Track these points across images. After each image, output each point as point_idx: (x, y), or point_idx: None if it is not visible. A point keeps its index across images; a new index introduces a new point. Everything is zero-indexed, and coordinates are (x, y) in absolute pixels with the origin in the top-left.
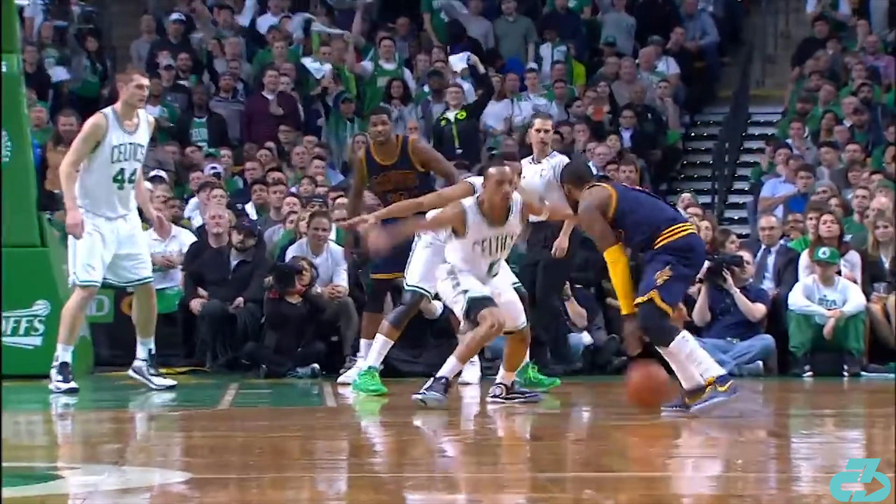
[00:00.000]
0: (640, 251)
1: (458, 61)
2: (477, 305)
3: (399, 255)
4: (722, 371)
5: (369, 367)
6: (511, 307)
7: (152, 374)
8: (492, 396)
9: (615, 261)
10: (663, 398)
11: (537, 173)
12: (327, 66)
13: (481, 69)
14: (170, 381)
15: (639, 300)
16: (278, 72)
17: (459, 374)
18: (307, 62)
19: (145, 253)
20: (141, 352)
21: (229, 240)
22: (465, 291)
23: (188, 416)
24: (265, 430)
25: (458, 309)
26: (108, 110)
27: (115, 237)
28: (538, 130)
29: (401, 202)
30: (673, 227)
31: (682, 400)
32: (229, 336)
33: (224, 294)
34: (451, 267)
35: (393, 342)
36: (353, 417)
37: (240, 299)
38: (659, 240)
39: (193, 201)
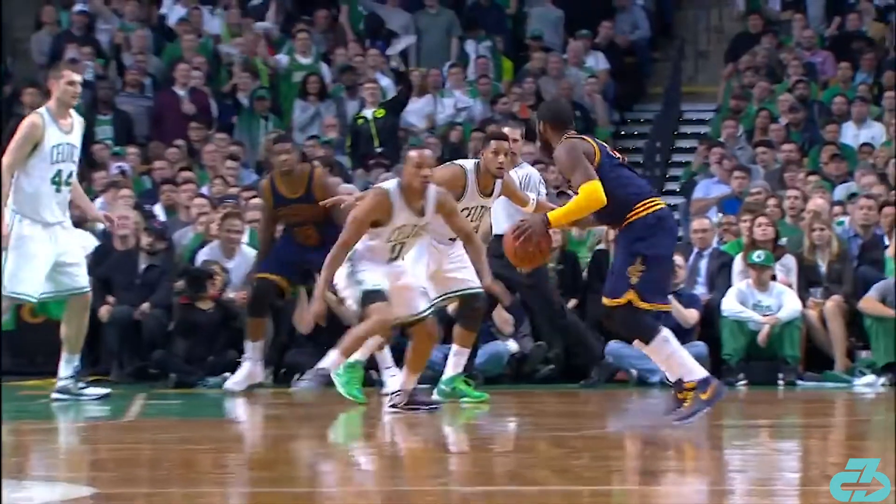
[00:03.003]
0: (606, 223)
1: (398, 45)
2: (368, 299)
3: (288, 256)
4: (704, 373)
5: (356, 361)
6: (406, 293)
7: (81, 388)
8: (391, 405)
9: (592, 191)
10: (546, 256)
11: None
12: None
13: (401, 67)
14: (103, 390)
15: (613, 303)
16: (190, 66)
17: (387, 372)
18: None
19: (83, 261)
20: (66, 369)
21: (137, 242)
22: (360, 283)
23: (93, 428)
24: (174, 443)
25: (350, 299)
26: (42, 110)
27: (53, 244)
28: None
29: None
30: (643, 202)
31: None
32: (136, 344)
33: (131, 299)
34: (351, 252)
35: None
36: (266, 429)
37: (145, 305)
38: (630, 215)
39: (98, 201)
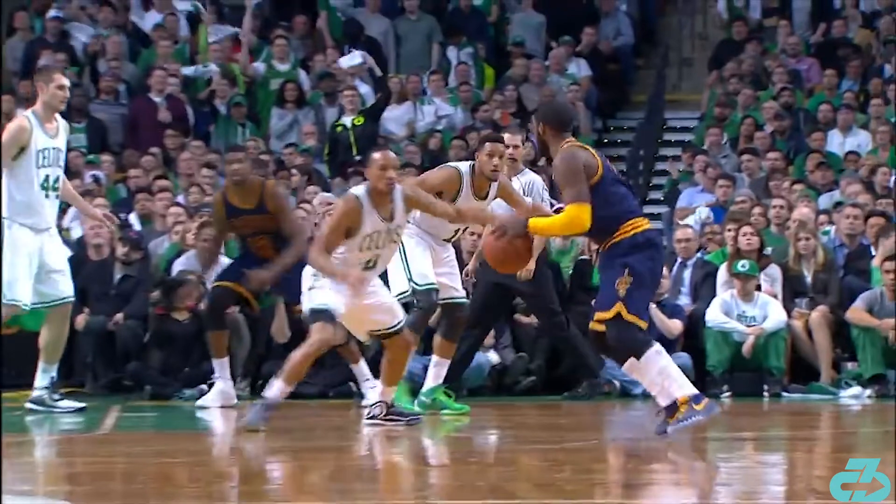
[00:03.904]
0: (592, 237)
1: (349, 60)
2: (312, 317)
3: (246, 266)
4: (695, 390)
5: None
6: (377, 309)
7: (56, 400)
8: (369, 417)
9: (577, 216)
10: (525, 260)
11: None
12: (212, 67)
13: (377, 71)
14: (78, 404)
15: (604, 317)
16: (166, 72)
17: (366, 384)
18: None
19: (67, 268)
20: (42, 379)
21: (112, 252)
22: (310, 300)
23: (67, 441)
24: (150, 456)
25: (303, 310)
26: (28, 113)
27: (39, 251)
28: (507, 146)
29: None
30: (632, 221)
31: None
32: (111, 355)
33: (106, 310)
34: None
35: (414, 349)
36: (243, 442)
37: (119, 315)
38: (617, 234)
39: (72, 211)
